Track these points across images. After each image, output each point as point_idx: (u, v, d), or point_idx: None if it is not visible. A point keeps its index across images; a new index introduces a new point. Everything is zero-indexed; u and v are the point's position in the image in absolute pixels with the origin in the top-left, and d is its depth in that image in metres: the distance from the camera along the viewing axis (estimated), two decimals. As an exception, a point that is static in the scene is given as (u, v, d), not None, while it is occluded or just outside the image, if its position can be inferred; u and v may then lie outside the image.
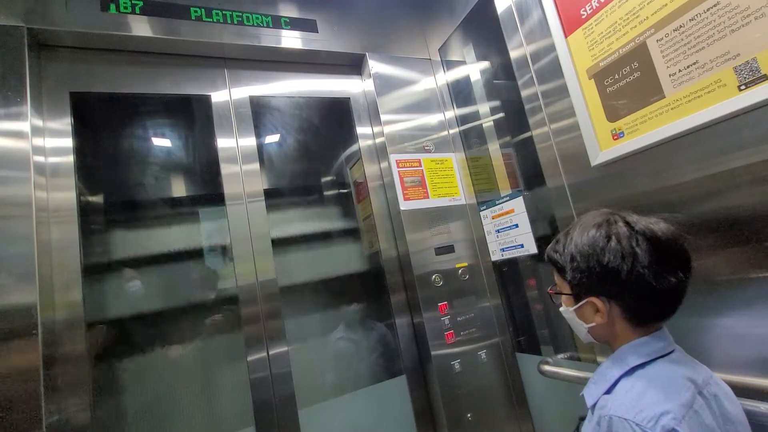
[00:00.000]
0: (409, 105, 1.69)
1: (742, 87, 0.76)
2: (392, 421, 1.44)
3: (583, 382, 1.17)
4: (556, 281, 0.80)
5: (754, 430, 0.67)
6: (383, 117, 1.61)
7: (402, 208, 1.51)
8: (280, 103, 1.63)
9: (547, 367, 1.30)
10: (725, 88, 0.79)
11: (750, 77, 0.75)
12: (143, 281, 1.44)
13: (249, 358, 1.28)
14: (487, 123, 1.64)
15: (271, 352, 1.31)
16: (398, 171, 1.54)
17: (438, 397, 1.40)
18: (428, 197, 1.56)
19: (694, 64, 0.83)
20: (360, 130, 1.70)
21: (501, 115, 1.61)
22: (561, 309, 0.81)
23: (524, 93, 1.31)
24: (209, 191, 1.73)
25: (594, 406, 0.70)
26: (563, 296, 0.78)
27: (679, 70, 0.85)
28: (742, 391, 0.74)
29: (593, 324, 0.73)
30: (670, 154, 0.90)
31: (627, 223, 0.69)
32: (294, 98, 1.64)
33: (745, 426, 0.67)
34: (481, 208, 1.58)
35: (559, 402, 1.34)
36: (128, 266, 1.43)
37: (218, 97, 1.46)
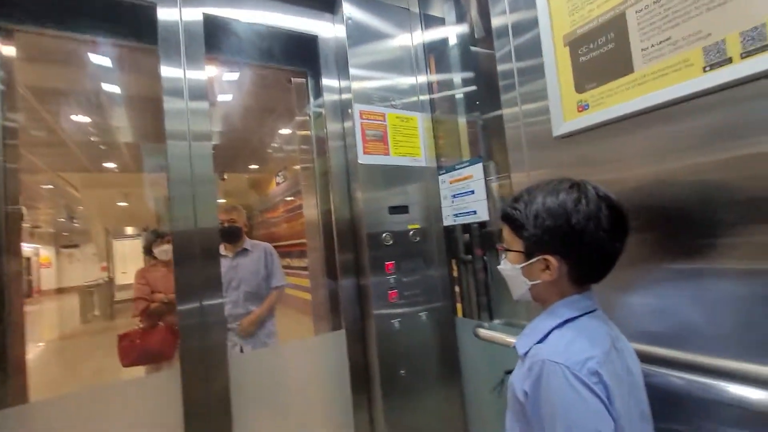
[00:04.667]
0: (382, 62, 1.59)
1: (707, 68, 0.77)
2: (327, 372, 1.44)
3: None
4: (506, 238, 0.81)
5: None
6: (352, 71, 1.51)
7: (360, 161, 1.45)
8: (239, 28, 1.47)
9: (482, 331, 1.35)
10: (691, 68, 0.79)
11: (716, 59, 0.76)
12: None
13: (180, 308, 1.20)
14: (459, 95, 1.60)
15: (204, 303, 1.23)
16: (361, 122, 1.46)
17: (375, 352, 1.41)
18: (389, 154, 1.51)
19: (667, 40, 0.82)
20: (326, 81, 1.59)
21: (473, 88, 1.57)
22: (502, 267, 0.82)
23: (500, 67, 1.26)
24: (149, 126, 1.55)
25: (526, 354, 0.74)
26: (511, 253, 0.79)
27: (652, 45, 0.85)
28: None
29: (538, 281, 0.76)
30: (629, 131, 0.91)
31: (594, 188, 0.73)
32: (255, 27, 1.48)
33: (640, 378, 0.76)
34: (440, 172, 1.56)
35: (488, 364, 1.40)
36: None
37: (166, 9, 1.28)
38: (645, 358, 0.83)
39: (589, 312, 0.75)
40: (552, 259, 0.73)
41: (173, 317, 1.96)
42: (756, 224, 0.73)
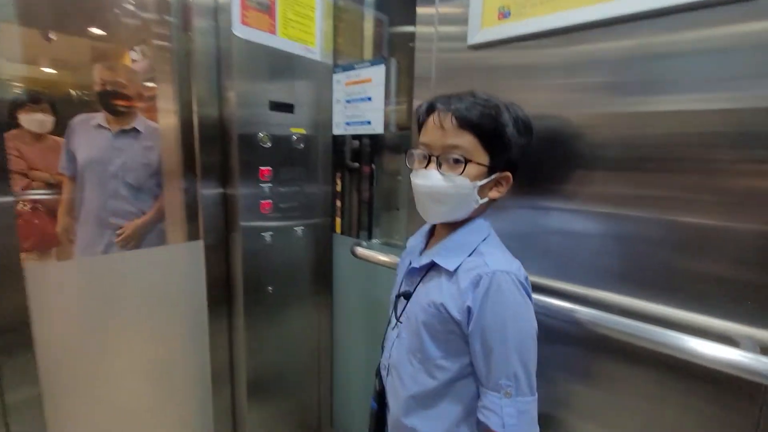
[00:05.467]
0: None
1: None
2: (177, 286, 1.24)
3: (391, 265, 1.20)
4: (467, 148, 0.65)
5: None
6: None
7: (236, 32, 1.12)
8: None
9: (360, 250, 1.29)
10: (622, -13, 0.72)
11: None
12: None
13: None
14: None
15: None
16: (240, -20, 1.11)
17: (239, 267, 1.25)
18: (275, 33, 1.21)
19: (606, -52, 0.73)
20: None
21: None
22: (452, 184, 0.66)
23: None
24: None
25: (456, 270, 0.68)
26: (473, 167, 0.66)
27: (591, -49, 0.75)
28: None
29: (486, 199, 0.70)
30: (542, 50, 0.84)
31: None
32: None
33: None
34: (336, 71, 1.34)
35: (362, 282, 1.38)
36: None
37: None
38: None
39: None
40: (510, 177, 0.70)
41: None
42: (618, 174, 0.76)
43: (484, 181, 0.67)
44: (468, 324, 0.65)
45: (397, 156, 1.33)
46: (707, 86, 0.66)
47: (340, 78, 1.32)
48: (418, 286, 0.74)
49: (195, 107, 1.21)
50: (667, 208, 0.71)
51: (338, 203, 1.46)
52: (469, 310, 0.64)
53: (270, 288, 1.32)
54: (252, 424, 1.37)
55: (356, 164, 1.39)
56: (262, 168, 1.25)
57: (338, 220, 1.48)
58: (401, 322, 0.75)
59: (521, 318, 0.64)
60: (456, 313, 0.66)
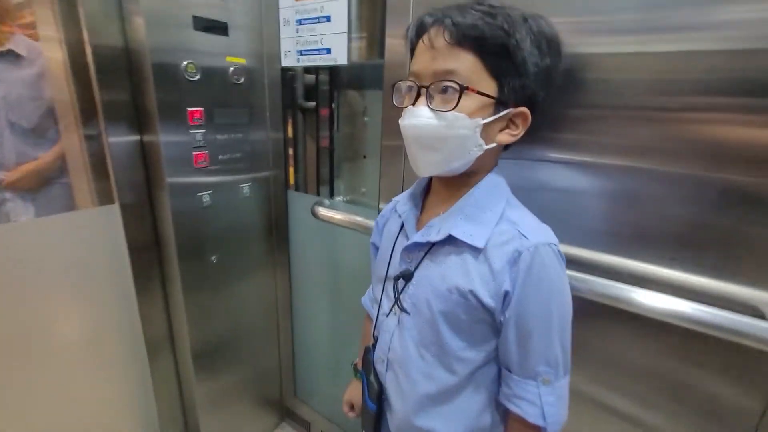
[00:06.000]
0: None
1: None
2: (93, 256, 0.98)
3: (359, 227, 1.02)
4: (464, 73, 0.47)
5: None
6: None
7: None
8: None
9: (321, 210, 1.10)
10: None
11: None
12: None
13: None
14: None
15: None
16: None
17: (170, 234, 1.01)
18: None
19: None
20: None
21: None
22: (442, 123, 0.49)
23: None
24: None
25: (486, 245, 0.52)
26: (473, 99, 0.48)
27: None
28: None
29: (493, 145, 0.52)
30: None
31: None
32: None
33: None
34: (282, -21, 1.03)
35: (325, 247, 1.20)
36: None
37: None
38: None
39: None
40: (528, 113, 0.52)
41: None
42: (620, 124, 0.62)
43: (490, 119, 0.50)
44: (503, 310, 0.52)
45: (364, 92, 1.10)
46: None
47: (287, -11, 1.02)
48: (423, 264, 0.58)
49: (85, 26, 0.88)
50: (701, 163, 0.59)
51: (291, 153, 1.22)
52: (506, 294, 0.51)
53: (213, 258, 1.10)
54: (203, 396, 1.23)
55: (312, 104, 1.14)
56: (190, 109, 0.97)
57: (291, 170, 1.25)
58: (407, 312, 0.59)
59: (564, 296, 0.54)
60: (489, 300, 0.52)
